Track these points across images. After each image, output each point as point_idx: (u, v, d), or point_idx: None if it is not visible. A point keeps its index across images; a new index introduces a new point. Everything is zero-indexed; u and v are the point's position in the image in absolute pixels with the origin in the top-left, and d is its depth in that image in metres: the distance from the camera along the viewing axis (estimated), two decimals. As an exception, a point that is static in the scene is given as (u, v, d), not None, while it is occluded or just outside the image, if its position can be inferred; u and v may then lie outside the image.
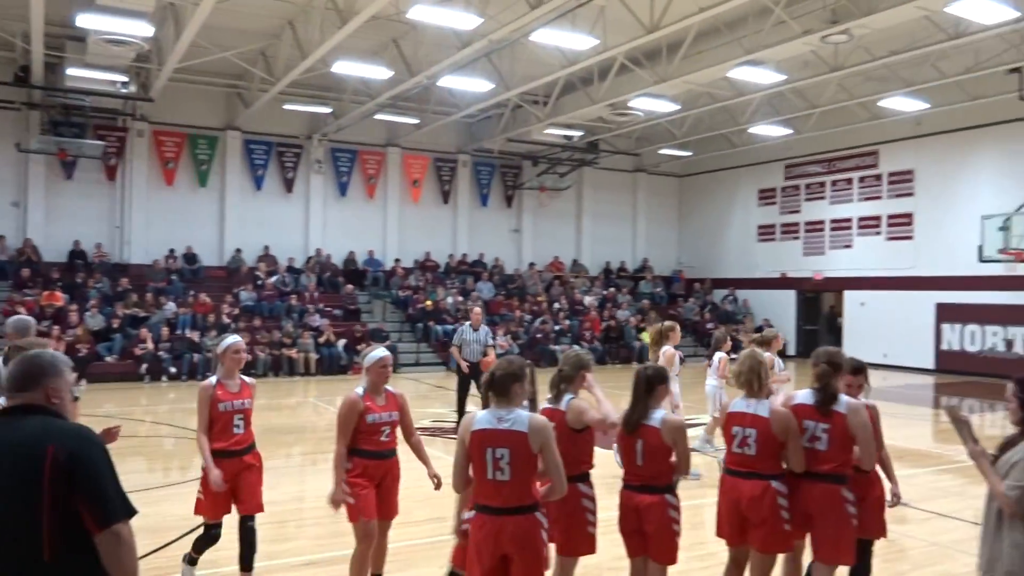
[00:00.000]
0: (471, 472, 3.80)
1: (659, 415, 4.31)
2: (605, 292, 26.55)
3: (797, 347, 25.08)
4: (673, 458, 4.28)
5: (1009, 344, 20.06)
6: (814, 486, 4.34)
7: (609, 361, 23.17)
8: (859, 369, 4.72)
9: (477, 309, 12.28)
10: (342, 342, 20.48)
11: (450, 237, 26.29)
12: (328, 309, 21.83)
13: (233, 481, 5.08)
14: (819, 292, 25.92)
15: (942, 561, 6.24)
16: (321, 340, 20.26)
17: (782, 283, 26.34)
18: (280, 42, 17.96)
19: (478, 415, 3.86)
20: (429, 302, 22.95)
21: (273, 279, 22.24)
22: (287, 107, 21.57)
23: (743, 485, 4.39)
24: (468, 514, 3.90)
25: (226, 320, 19.82)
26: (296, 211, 23.91)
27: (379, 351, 4.97)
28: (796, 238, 26.13)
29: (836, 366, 4.51)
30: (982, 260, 18.99)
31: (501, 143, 24.68)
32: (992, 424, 13.36)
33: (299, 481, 9.05)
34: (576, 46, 15.56)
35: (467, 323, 12.07)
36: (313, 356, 19.69)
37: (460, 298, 23.56)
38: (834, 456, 4.34)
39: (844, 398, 4.44)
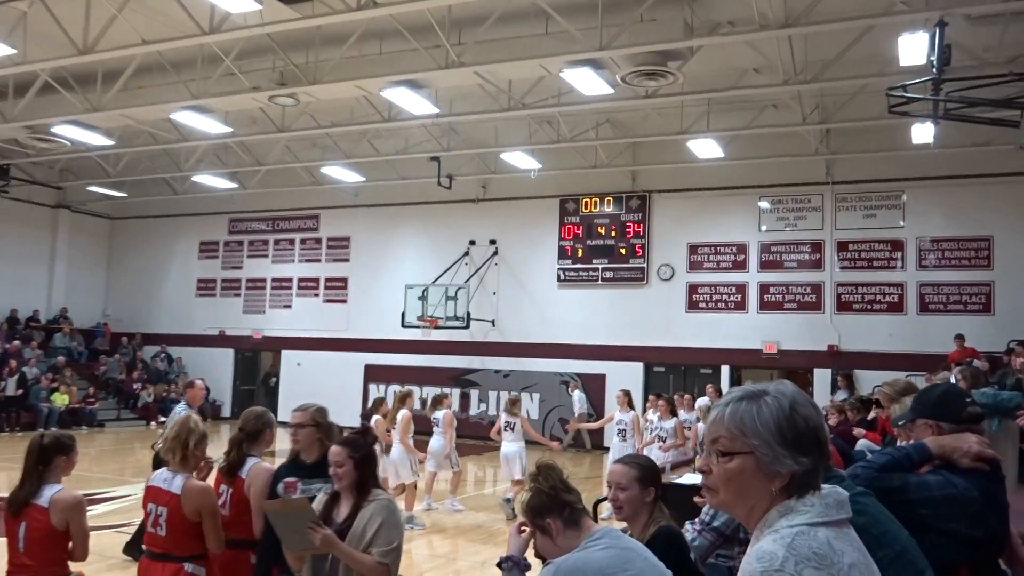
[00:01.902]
0: None
1: (50, 492, 3.85)
2: (8, 346, 23.15)
3: (233, 408, 25.08)
4: (71, 543, 3.86)
5: (424, 402, 22.94)
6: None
7: (7, 429, 20.16)
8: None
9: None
10: None
11: None
12: None
13: None
14: (258, 351, 26.44)
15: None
16: None
17: (221, 341, 26.23)
18: None
19: None
20: None
21: None
22: None
23: (154, 569, 4.15)
24: None
25: None
26: None
27: None
28: (237, 295, 26.38)
29: (250, 434, 4.61)
30: (404, 325, 21.59)
31: None
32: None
33: None
34: (-14, 51, 13.59)
35: None
36: None
37: None
38: (235, 519, 4.40)
39: (251, 461, 4.54)
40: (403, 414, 10.88)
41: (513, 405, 12.00)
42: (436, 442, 11.71)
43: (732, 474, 1.64)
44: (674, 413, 11.69)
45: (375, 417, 10.96)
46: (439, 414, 11.79)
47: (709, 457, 1.69)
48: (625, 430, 11.60)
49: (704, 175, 20.01)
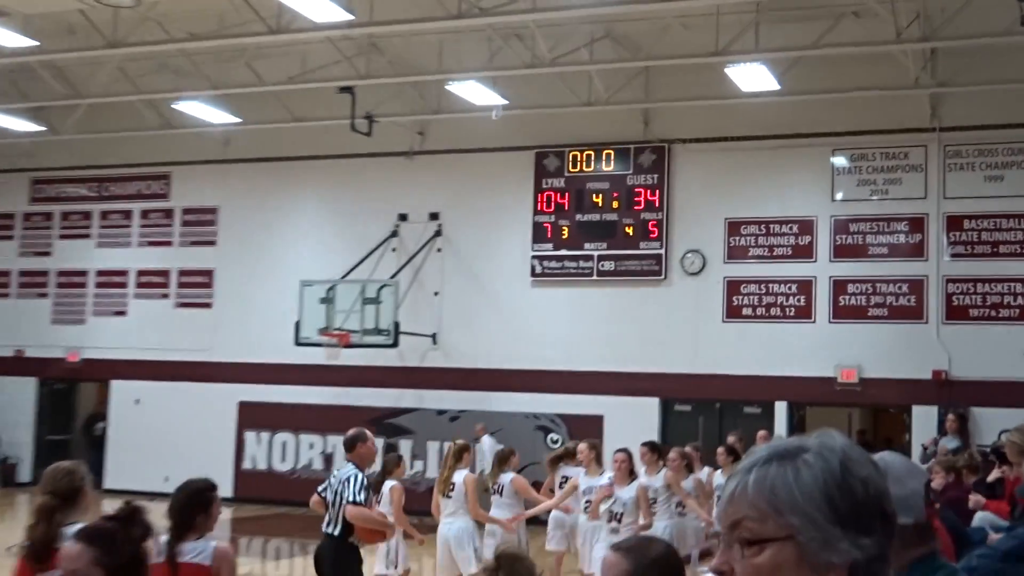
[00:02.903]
0: None
1: None
2: None
3: (35, 468, 24.78)
4: None
5: (328, 459, 22.83)
6: None
7: None
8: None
9: None
10: None
11: None
12: None
13: None
14: (75, 382, 26.18)
15: None
16: None
17: (16, 366, 25.94)
18: None
19: None
20: None
21: None
22: None
23: None
24: None
25: None
26: None
27: None
28: (43, 296, 26.12)
29: (69, 493, 4.65)
30: (299, 343, 21.46)
31: None
32: None
33: None
34: None
35: None
36: None
37: None
38: None
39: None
40: (464, 476, 11.10)
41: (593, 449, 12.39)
42: (502, 517, 11.90)
43: (764, 572, 1.62)
44: (633, 475, 11.66)
45: (389, 483, 11.05)
46: (505, 478, 11.95)
47: (728, 550, 1.65)
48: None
49: (751, 117, 20.18)
